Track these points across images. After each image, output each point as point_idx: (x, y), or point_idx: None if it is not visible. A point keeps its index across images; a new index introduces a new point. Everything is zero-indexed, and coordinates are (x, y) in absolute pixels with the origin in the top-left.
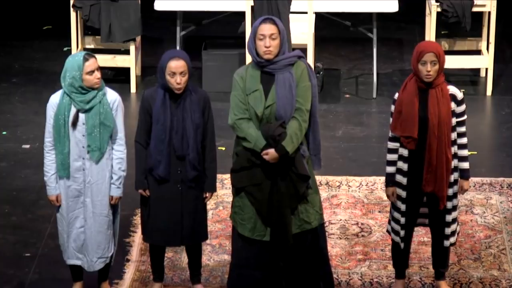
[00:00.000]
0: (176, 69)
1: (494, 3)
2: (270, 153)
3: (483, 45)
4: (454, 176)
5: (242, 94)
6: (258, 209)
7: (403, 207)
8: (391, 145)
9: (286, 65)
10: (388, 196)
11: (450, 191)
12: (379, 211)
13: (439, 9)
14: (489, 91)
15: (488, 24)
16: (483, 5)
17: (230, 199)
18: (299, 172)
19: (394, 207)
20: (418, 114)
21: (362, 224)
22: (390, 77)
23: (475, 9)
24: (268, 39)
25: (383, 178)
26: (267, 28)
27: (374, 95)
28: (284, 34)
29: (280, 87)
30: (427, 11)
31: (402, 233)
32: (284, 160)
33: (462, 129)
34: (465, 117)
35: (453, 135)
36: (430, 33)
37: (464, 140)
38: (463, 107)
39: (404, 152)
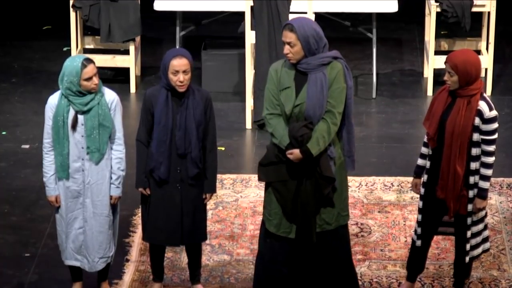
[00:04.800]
0: (179, 67)
1: (494, 3)
2: (295, 153)
3: (482, 45)
4: (473, 193)
5: (275, 89)
6: (282, 205)
7: (420, 203)
8: (425, 138)
9: (319, 64)
10: (411, 186)
11: (470, 207)
12: (379, 211)
13: (438, 9)
14: (488, 91)
15: (487, 24)
16: (483, 5)
17: (230, 199)
18: (323, 173)
19: (419, 209)
20: (440, 116)
21: (361, 224)
22: (390, 77)
23: (474, 9)
24: (287, 46)
25: (382, 178)
26: (284, 35)
27: (374, 95)
28: (306, 38)
29: (312, 87)
30: (426, 11)
31: (419, 230)
32: (309, 160)
33: (488, 148)
34: (493, 136)
35: (475, 151)
36: (430, 33)
37: (488, 160)
38: (491, 126)
39: (430, 151)
